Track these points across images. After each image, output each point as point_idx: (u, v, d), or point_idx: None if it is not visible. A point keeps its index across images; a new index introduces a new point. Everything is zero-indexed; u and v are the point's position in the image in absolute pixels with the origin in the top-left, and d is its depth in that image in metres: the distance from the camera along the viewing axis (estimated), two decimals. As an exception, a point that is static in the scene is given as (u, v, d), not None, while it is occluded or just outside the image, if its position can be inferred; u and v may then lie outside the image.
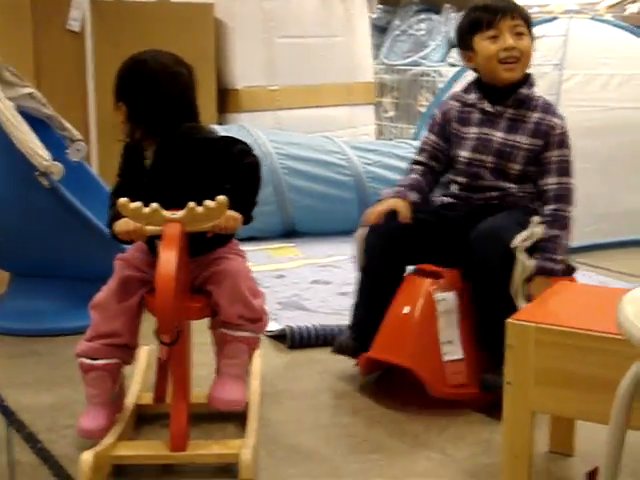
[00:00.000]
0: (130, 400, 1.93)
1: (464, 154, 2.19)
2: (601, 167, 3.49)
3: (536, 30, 2.26)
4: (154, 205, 1.66)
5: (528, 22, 2.20)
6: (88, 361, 1.80)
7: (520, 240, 2.01)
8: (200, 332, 1.90)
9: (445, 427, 1.95)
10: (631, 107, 3.64)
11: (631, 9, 5.76)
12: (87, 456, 1.62)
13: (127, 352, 1.84)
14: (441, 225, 2.17)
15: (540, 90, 2.27)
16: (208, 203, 1.66)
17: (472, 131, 2.19)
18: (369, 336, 2.11)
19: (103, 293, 1.83)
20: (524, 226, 2.06)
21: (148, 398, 1.99)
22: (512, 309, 1.84)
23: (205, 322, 1.88)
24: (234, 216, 1.73)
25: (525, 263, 2.00)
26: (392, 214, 2.15)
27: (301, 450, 1.84)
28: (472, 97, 2.21)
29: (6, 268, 2.70)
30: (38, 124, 2.60)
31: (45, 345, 2.43)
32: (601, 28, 3.83)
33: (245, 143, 1.83)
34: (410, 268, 2.17)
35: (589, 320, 1.52)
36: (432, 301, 2.05)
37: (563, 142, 2.14)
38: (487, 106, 2.18)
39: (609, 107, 3.62)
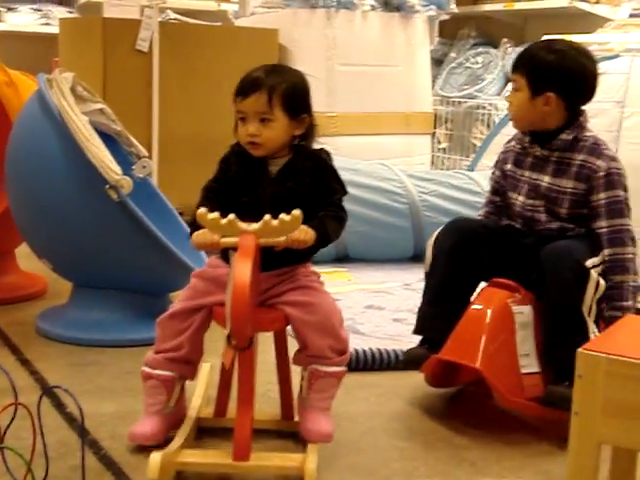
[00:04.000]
0: (191, 413, 1.96)
1: (520, 199, 2.20)
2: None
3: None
4: (231, 216, 1.69)
5: (534, 73, 2.11)
6: (148, 369, 1.87)
7: (590, 264, 2.01)
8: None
9: (503, 456, 1.94)
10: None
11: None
12: (155, 457, 1.66)
13: (187, 367, 1.89)
14: (510, 241, 2.18)
15: (600, 126, 2.25)
16: (283, 216, 1.68)
17: (526, 175, 2.20)
18: (438, 342, 2.08)
19: (168, 312, 1.87)
20: (594, 253, 2.05)
21: (208, 412, 2.01)
22: (583, 325, 1.85)
23: (263, 340, 1.90)
24: (306, 230, 1.72)
25: (600, 282, 2.00)
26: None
27: (359, 470, 1.85)
28: (527, 140, 2.21)
29: (69, 278, 2.74)
30: (106, 139, 2.66)
31: (106, 356, 2.47)
32: (664, 67, 3.83)
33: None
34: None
35: (660, 353, 1.52)
36: (508, 312, 2.04)
37: (611, 183, 2.09)
38: (537, 150, 2.18)
39: (670, 146, 3.61)
